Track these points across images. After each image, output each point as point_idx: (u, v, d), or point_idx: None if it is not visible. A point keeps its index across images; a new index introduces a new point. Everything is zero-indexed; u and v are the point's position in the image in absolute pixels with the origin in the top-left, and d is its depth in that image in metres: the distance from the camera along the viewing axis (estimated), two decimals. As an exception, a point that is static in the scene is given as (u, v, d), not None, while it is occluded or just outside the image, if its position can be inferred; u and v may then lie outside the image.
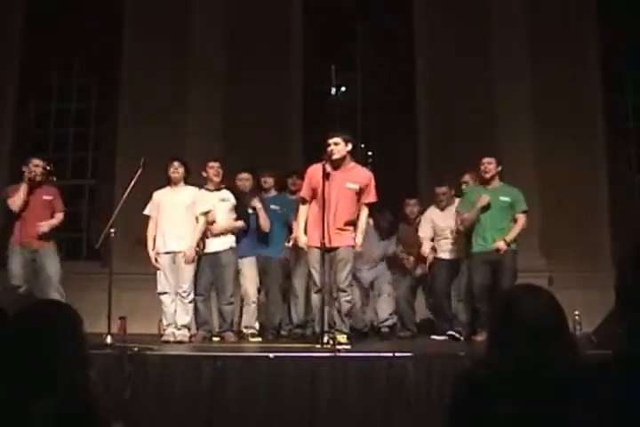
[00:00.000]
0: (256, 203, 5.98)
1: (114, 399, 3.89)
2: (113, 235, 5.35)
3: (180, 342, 5.44)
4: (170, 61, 8.29)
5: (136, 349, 4.37)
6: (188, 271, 5.61)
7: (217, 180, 5.96)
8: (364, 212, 5.17)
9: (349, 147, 5.11)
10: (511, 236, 5.62)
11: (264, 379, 4.01)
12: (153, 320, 6.26)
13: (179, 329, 5.54)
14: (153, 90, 8.22)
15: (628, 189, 7.95)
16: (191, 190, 5.83)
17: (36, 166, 5.70)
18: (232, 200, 5.96)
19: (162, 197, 5.81)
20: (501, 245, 5.57)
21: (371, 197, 5.13)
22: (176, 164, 5.77)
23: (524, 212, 5.73)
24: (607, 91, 8.05)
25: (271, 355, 4.12)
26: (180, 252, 5.60)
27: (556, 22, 7.95)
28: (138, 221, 5.86)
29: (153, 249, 5.70)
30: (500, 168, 5.79)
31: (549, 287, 5.87)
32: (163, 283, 5.60)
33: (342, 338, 4.81)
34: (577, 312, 5.97)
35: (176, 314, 5.56)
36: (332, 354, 4.22)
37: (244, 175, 6.27)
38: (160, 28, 8.38)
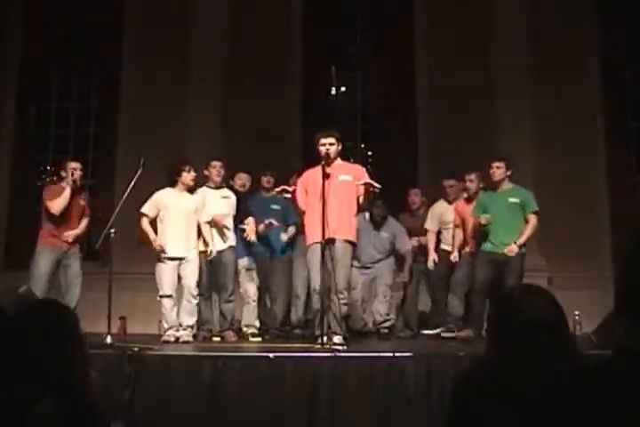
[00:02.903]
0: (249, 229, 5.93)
1: (114, 399, 3.89)
2: (113, 235, 5.34)
3: (185, 342, 5.42)
4: (170, 61, 8.29)
5: (136, 349, 4.37)
6: (194, 273, 5.61)
7: (218, 179, 6.00)
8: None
9: (340, 146, 5.17)
10: (522, 239, 5.52)
11: (264, 379, 4.01)
12: (153, 320, 6.25)
13: (183, 329, 5.52)
14: (153, 90, 8.22)
15: (628, 189, 7.95)
16: (198, 195, 5.81)
17: (75, 170, 5.61)
18: (233, 197, 6.02)
19: (168, 200, 5.71)
20: (513, 248, 5.47)
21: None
22: (193, 170, 5.74)
23: (536, 213, 5.64)
24: (607, 91, 8.05)
25: (271, 355, 4.12)
26: (184, 257, 5.59)
27: (556, 22, 7.95)
28: (138, 222, 5.85)
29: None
30: (509, 172, 5.69)
31: (549, 287, 5.87)
32: (165, 286, 5.53)
33: (337, 339, 4.79)
34: (577, 312, 5.97)
35: (180, 315, 5.54)
36: (332, 354, 4.22)
37: (243, 175, 6.28)
38: (160, 28, 8.38)
